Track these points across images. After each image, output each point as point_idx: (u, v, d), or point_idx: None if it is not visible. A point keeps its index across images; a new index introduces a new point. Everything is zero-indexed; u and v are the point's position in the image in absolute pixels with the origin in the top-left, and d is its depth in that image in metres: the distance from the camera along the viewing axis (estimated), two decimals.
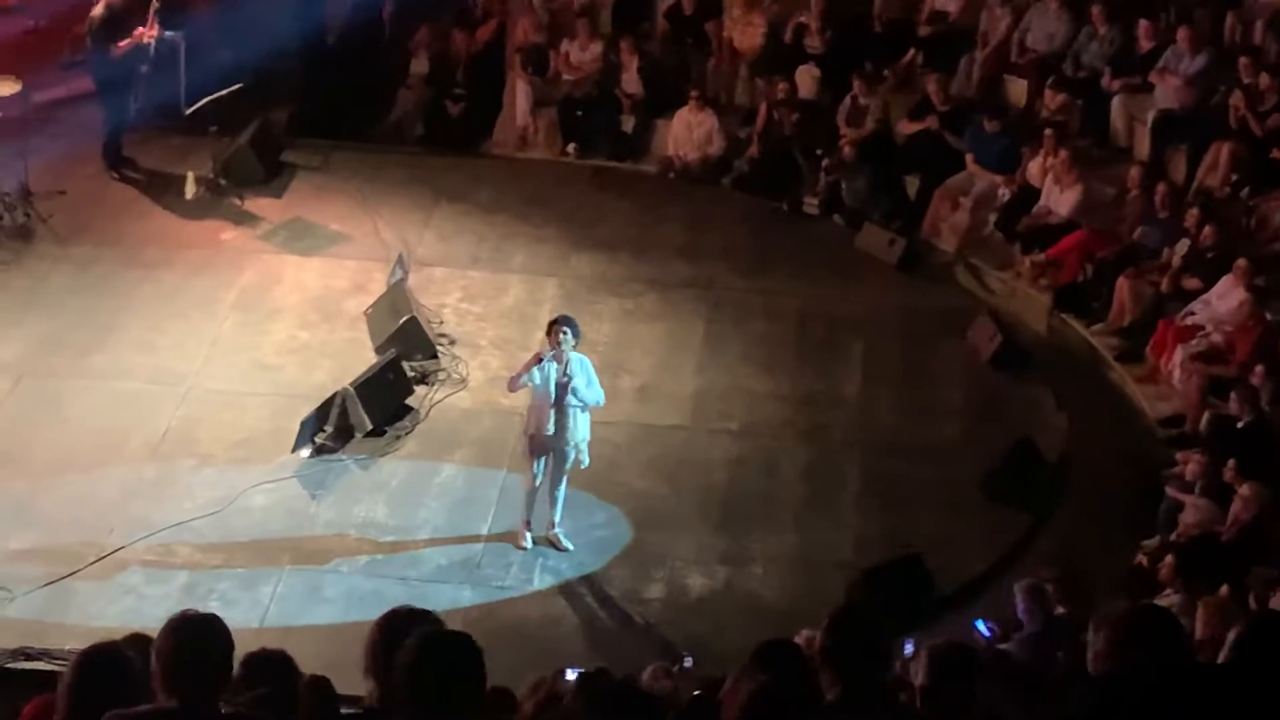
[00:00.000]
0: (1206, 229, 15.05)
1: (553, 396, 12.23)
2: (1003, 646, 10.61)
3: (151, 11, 17.00)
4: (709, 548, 13.00)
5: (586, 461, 12.66)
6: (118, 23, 17.03)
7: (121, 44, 16.96)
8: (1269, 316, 14.26)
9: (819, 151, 17.86)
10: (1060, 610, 11.01)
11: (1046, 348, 15.71)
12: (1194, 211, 15.32)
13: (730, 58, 19.23)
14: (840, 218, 17.55)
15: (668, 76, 19.22)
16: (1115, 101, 17.46)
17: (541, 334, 14.46)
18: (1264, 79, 16.34)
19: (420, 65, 19.43)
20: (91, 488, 13.18)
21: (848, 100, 17.94)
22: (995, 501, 13.46)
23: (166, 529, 12.77)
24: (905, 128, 17.80)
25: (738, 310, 16.01)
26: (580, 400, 12.33)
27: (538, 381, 12.22)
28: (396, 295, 15.23)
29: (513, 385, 12.56)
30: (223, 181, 17.44)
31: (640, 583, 12.63)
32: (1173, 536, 12.46)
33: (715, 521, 13.27)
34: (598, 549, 12.93)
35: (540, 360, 12.16)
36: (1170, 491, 12.94)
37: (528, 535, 12.84)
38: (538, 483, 12.67)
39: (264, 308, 15.72)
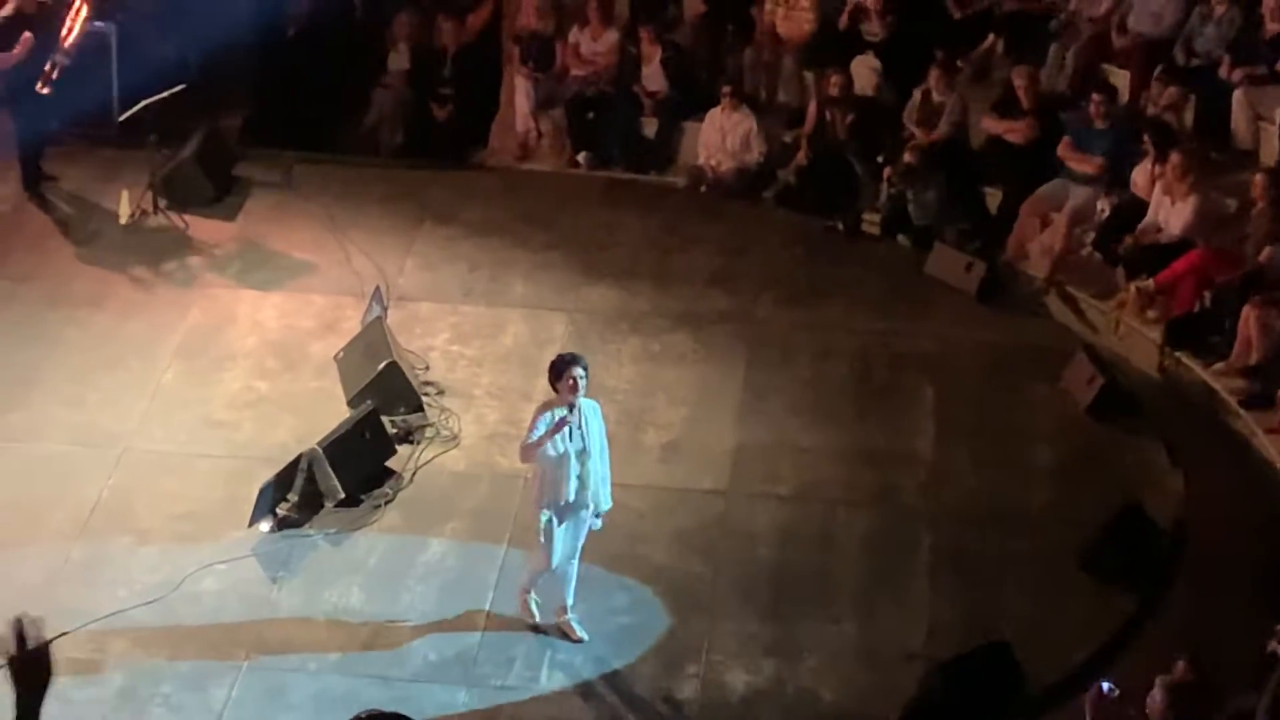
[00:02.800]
0: None
1: (574, 457, 12.21)
2: None
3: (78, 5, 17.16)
4: (753, 637, 12.94)
5: (599, 524, 12.66)
6: (24, 24, 17.10)
7: (8, 55, 17.03)
8: None
9: (880, 158, 17.95)
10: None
11: (1157, 392, 15.71)
12: None
13: (772, 47, 19.32)
14: (906, 238, 17.65)
15: (697, 71, 19.33)
16: (1236, 95, 17.51)
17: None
18: None
19: (399, 60, 19.58)
20: (7, 572, 13.15)
21: (917, 96, 18.04)
22: (1097, 579, 13.42)
23: (98, 620, 12.74)
24: (992, 125, 17.87)
25: (784, 350, 16.06)
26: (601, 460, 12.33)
27: (554, 454, 12.07)
28: (373, 336, 15.27)
29: (528, 455, 12.19)
30: (163, 202, 17.56)
31: (671, 680, 12.56)
32: None
33: (760, 605, 13.23)
34: (619, 639, 12.87)
35: (564, 425, 11.98)
36: None
37: (533, 603, 12.82)
38: (555, 564, 12.58)
39: (214, 353, 15.78)
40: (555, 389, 12.15)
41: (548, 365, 12.31)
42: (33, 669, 6.08)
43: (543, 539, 12.36)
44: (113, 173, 18.07)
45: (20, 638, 6.07)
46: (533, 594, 12.82)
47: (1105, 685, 10.86)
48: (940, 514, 14.19)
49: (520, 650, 12.72)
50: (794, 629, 13.03)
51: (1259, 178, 16.19)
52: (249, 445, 14.63)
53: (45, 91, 17.11)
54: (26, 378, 15.32)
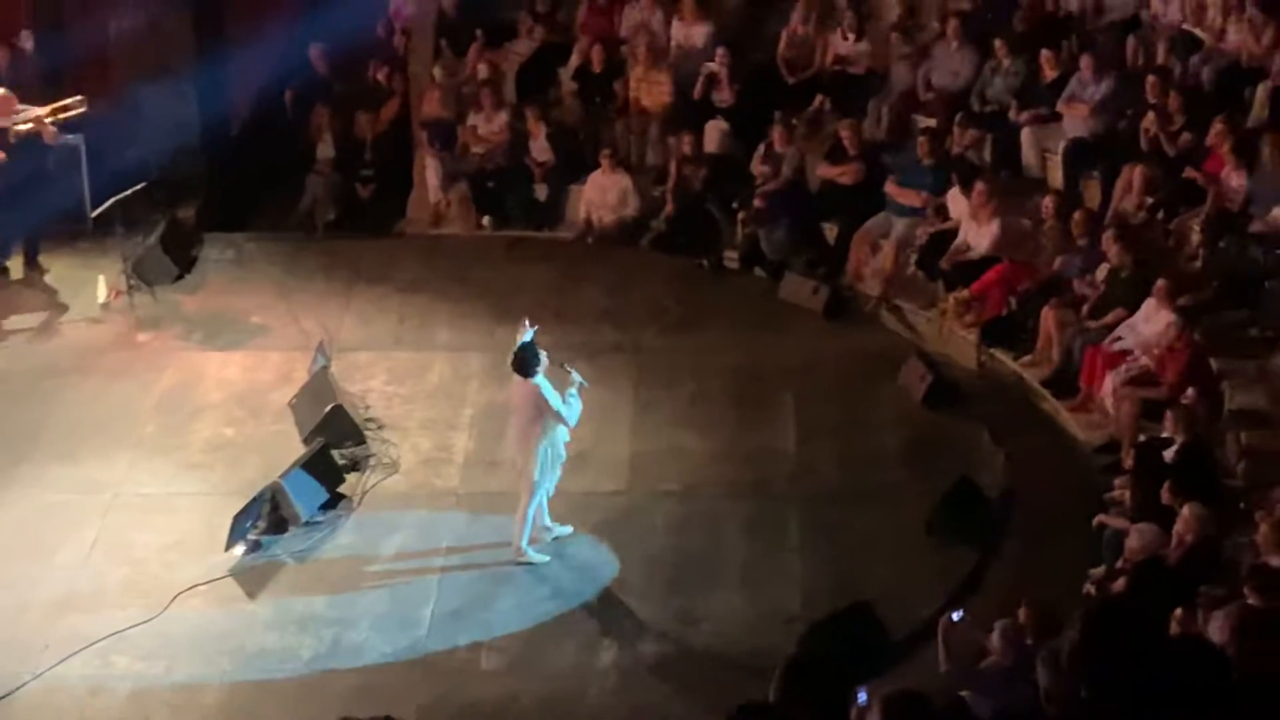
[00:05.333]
0: (1115, 249, 15.22)
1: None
2: (962, 693, 10.61)
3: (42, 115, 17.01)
4: (659, 611, 12.92)
5: None
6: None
7: None
8: (1196, 336, 14.39)
9: (734, 204, 17.99)
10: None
11: (977, 383, 15.81)
12: (1110, 235, 15.46)
13: (638, 117, 19.35)
14: (762, 270, 17.69)
15: (577, 141, 19.35)
16: (1025, 133, 17.70)
17: (471, 410, 14.72)
18: (1173, 99, 16.54)
19: (325, 149, 19.49)
20: (24, 599, 13.02)
21: (761, 150, 18.09)
22: (940, 543, 13.48)
23: (102, 640, 12.59)
24: (826, 171, 17.90)
25: (667, 371, 16.05)
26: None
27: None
28: (320, 383, 15.19)
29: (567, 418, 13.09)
30: (135, 282, 17.40)
31: (592, 652, 12.53)
32: (1119, 563, 12.51)
33: (663, 584, 13.22)
34: (546, 623, 12.83)
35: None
36: (1105, 519, 13.02)
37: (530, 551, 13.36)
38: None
39: (187, 407, 15.64)
40: (535, 372, 12.91)
41: (518, 360, 13.01)
42: None
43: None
44: (90, 261, 17.86)
45: None
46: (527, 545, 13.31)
47: (955, 614, 10.95)
48: (806, 498, 14.20)
49: (462, 639, 12.65)
50: (692, 602, 13.02)
51: (1048, 200, 16.39)
52: (222, 483, 14.48)
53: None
54: (30, 434, 15.14)
